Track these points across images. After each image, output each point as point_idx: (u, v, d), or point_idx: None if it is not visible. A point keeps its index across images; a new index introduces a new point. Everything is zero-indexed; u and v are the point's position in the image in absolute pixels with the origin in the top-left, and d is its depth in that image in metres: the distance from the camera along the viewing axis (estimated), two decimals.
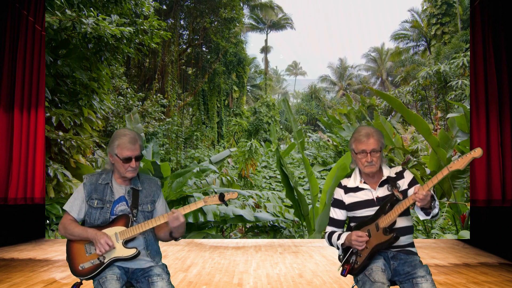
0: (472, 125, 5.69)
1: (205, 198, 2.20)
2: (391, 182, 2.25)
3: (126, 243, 2.21)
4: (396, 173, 2.32)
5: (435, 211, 2.15)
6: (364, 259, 2.21)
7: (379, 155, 2.25)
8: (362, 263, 2.21)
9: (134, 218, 2.23)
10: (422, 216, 2.19)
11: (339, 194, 2.38)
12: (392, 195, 2.20)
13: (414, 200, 2.07)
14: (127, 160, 2.23)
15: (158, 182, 2.40)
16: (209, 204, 2.19)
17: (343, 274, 2.24)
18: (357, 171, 2.39)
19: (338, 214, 2.38)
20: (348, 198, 2.35)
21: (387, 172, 2.31)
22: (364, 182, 2.33)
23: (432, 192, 2.08)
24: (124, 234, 2.20)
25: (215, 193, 2.19)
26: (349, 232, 2.26)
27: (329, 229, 2.41)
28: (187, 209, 2.22)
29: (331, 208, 2.41)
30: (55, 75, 7.63)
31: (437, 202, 2.15)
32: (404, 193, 2.26)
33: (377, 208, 2.25)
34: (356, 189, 2.34)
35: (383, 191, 2.28)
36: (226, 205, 2.21)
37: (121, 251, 2.19)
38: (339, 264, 2.33)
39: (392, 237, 2.15)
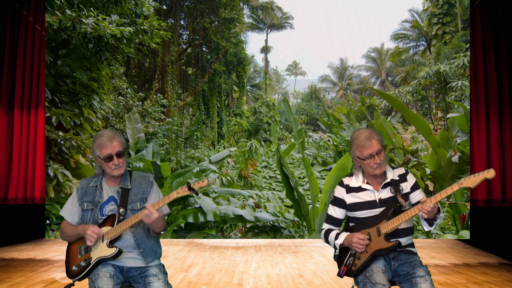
0: (472, 125, 5.69)
1: (177, 189, 2.20)
2: (395, 186, 2.24)
3: (111, 242, 2.23)
4: (399, 176, 2.31)
5: (438, 221, 2.17)
6: (362, 262, 2.19)
7: (383, 153, 2.24)
8: (360, 266, 2.20)
9: (121, 217, 2.24)
10: (426, 227, 2.21)
11: (340, 193, 2.35)
12: (396, 201, 2.20)
13: (421, 211, 2.09)
14: (109, 158, 2.25)
15: (150, 178, 2.40)
16: (181, 195, 2.19)
17: (340, 275, 2.23)
18: (359, 172, 2.35)
19: (337, 212, 2.36)
20: (350, 198, 2.32)
21: (391, 174, 2.30)
22: (367, 183, 2.31)
23: (438, 204, 2.10)
24: (109, 233, 2.22)
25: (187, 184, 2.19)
26: (349, 233, 2.24)
27: (326, 226, 2.39)
28: (161, 203, 2.21)
29: (330, 205, 2.38)
30: (55, 75, 7.63)
31: (441, 214, 2.17)
32: (406, 196, 2.26)
33: (379, 210, 2.23)
34: (359, 189, 2.31)
35: (386, 193, 2.27)
36: (197, 194, 2.22)
37: (104, 251, 2.22)
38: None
39: (395, 245, 2.16)
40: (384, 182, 2.28)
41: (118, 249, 2.21)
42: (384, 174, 2.30)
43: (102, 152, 2.25)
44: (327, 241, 2.35)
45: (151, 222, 2.18)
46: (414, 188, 2.28)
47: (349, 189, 2.33)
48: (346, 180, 2.37)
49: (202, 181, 2.16)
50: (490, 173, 1.96)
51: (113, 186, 2.33)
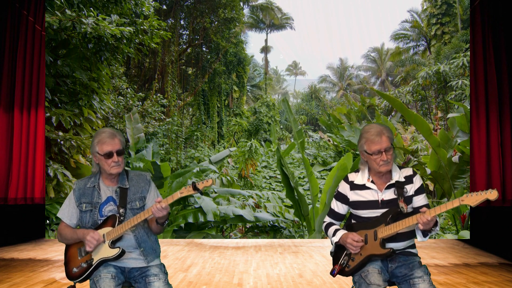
0: (472, 125, 5.69)
1: (181, 189, 2.17)
2: (399, 189, 2.19)
3: (113, 243, 2.21)
4: (405, 177, 2.25)
5: (433, 233, 2.15)
6: (355, 264, 2.18)
7: (392, 152, 2.19)
8: (353, 268, 2.19)
9: (122, 218, 2.23)
10: (419, 237, 2.17)
11: (343, 188, 2.31)
12: (397, 206, 2.16)
13: (417, 221, 2.05)
14: (109, 155, 2.23)
15: (147, 177, 2.38)
16: (185, 195, 2.15)
17: (333, 274, 2.22)
18: (365, 168, 2.30)
19: (339, 207, 2.34)
20: (353, 196, 2.28)
21: (397, 175, 2.24)
22: (372, 181, 2.25)
23: (436, 217, 2.07)
24: (110, 234, 2.21)
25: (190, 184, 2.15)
26: (345, 232, 2.23)
27: (328, 219, 2.38)
28: (170, 200, 2.18)
29: (334, 199, 2.36)
30: (55, 75, 7.63)
31: (437, 228, 2.13)
32: (409, 199, 2.21)
33: (380, 210, 2.20)
34: (363, 187, 2.26)
35: (389, 194, 2.22)
36: (201, 193, 2.20)
37: (107, 252, 2.21)
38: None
39: (388, 252, 2.14)
40: (388, 183, 2.23)
41: (121, 249, 2.20)
42: (389, 173, 2.24)
43: (102, 148, 2.23)
44: (327, 234, 2.36)
45: (162, 216, 2.17)
46: (418, 192, 2.23)
47: (353, 186, 2.29)
48: (351, 176, 2.33)
49: (207, 181, 2.11)
50: (492, 195, 1.93)
51: (111, 186, 2.31)
